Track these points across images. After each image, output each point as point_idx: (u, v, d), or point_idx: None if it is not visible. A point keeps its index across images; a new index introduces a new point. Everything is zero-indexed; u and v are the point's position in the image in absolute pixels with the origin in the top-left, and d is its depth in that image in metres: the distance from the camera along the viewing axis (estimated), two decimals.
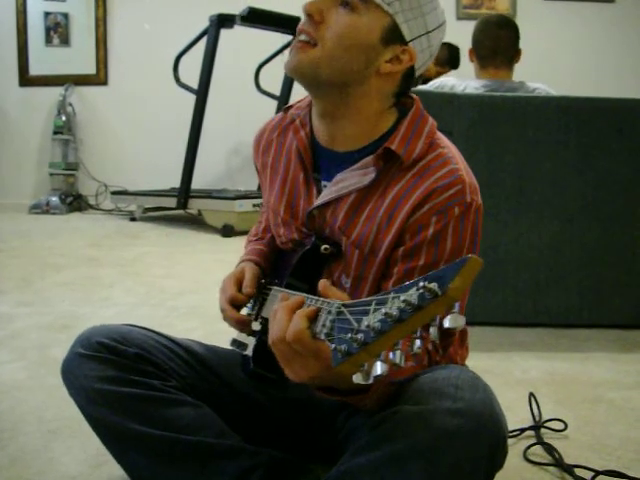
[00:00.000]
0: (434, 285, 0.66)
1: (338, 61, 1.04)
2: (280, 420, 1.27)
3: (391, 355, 0.70)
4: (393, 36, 1.04)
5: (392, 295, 0.71)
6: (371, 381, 0.72)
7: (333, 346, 0.75)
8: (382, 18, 1.02)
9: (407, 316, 0.67)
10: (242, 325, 1.19)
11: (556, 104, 2.42)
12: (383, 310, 0.69)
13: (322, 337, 0.80)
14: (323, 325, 0.81)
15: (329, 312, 0.81)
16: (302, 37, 1.05)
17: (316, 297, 0.86)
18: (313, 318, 0.83)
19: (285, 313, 0.86)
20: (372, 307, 0.72)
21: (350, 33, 1.02)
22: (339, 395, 0.94)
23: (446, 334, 0.68)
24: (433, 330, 0.68)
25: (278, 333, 0.85)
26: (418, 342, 0.69)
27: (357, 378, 0.74)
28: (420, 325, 0.69)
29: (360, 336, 0.71)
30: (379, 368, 0.71)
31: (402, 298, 0.68)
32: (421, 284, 0.67)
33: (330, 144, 1.14)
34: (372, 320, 0.70)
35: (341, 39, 1.03)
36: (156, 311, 2.73)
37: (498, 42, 2.72)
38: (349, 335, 0.73)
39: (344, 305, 0.79)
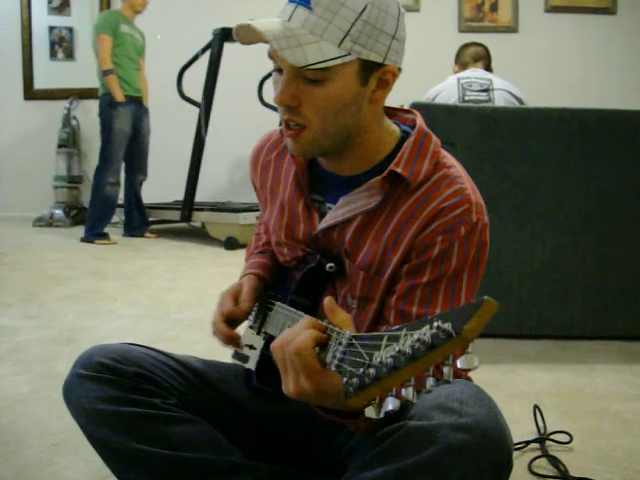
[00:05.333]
0: (448, 325, 0.65)
1: (332, 127, 1.03)
2: (281, 435, 1.27)
3: (403, 391, 0.70)
4: (368, 70, 1.01)
5: (404, 332, 0.70)
6: (382, 416, 0.72)
7: (345, 380, 0.75)
8: (350, 67, 0.99)
9: (420, 355, 0.67)
10: (231, 341, 1.19)
11: (559, 116, 2.42)
12: (396, 347, 0.69)
13: (332, 368, 0.80)
14: (334, 356, 0.80)
15: (340, 343, 0.81)
16: (290, 125, 1.04)
17: (327, 322, 0.87)
18: (321, 344, 0.84)
19: (302, 326, 0.87)
20: (384, 342, 0.72)
21: (331, 103, 1.01)
22: (335, 415, 0.94)
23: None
24: (447, 369, 0.68)
25: (281, 340, 0.87)
26: (431, 380, 0.69)
27: (369, 412, 0.74)
28: (433, 364, 0.68)
29: (372, 371, 0.71)
30: (390, 404, 0.71)
31: (416, 337, 0.67)
32: (435, 324, 0.66)
33: (333, 169, 1.14)
34: (384, 356, 0.70)
35: (325, 112, 1.01)
36: (160, 324, 2.74)
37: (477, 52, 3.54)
38: (361, 370, 0.73)
39: (355, 337, 0.79)
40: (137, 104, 5.11)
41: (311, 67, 0.96)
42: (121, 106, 4.95)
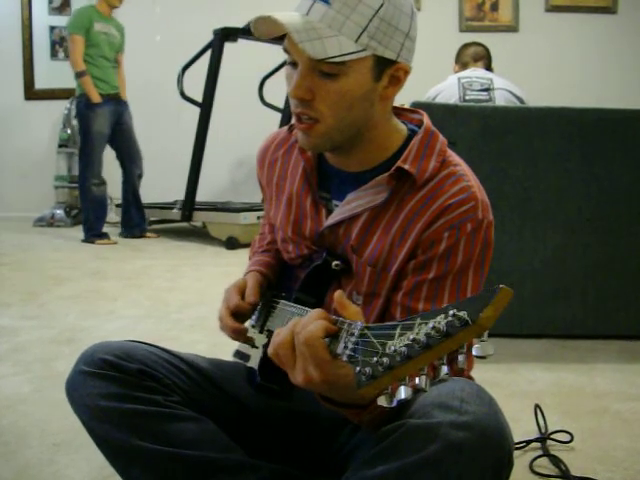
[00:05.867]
0: (464, 313, 0.66)
1: (345, 122, 1.04)
2: (284, 433, 1.27)
3: (417, 380, 0.70)
4: (382, 66, 1.03)
5: (419, 321, 0.71)
6: (394, 405, 0.72)
7: (357, 369, 0.75)
8: (365, 63, 1.00)
9: (435, 343, 0.67)
10: (238, 335, 1.19)
11: (559, 115, 2.42)
12: (410, 336, 0.69)
13: (344, 359, 0.80)
14: (345, 347, 0.80)
15: (351, 334, 0.80)
16: (302, 118, 1.05)
17: (336, 317, 0.87)
18: (331, 335, 0.84)
19: (312, 317, 0.87)
20: (397, 332, 0.72)
21: (344, 98, 1.02)
22: (337, 406, 0.94)
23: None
24: (461, 357, 0.67)
25: (291, 328, 0.87)
26: (445, 368, 0.69)
27: (381, 400, 0.73)
28: (447, 352, 0.68)
29: (385, 360, 0.71)
30: (403, 392, 0.71)
31: (431, 325, 0.67)
32: (451, 312, 0.67)
33: (341, 166, 1.15)
34: (398, 344, 0.70)
35: (339, 106, 1.02)
36: (161, 324, 2.74)
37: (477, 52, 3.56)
38: (374, 359, 0.72)
39: (367, 328, 0.79)
40: (115, 101, 5.03)
41: (329, 60, 0.97)
42: (98, 107, 4.88)
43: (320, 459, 1.25)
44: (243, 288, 1.22)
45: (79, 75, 4.83)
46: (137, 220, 5.31)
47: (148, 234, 5.36)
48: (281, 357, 0.89)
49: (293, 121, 1.10)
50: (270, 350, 0.90)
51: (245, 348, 1.23)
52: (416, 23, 1.05)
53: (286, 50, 1.03)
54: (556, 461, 1.48)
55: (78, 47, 4.80)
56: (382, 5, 0.99)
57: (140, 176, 5.29)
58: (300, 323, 0.87)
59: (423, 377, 0.70)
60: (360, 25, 0.98)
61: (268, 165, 1.27)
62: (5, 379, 2.04)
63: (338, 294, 0.88)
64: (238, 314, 1.20)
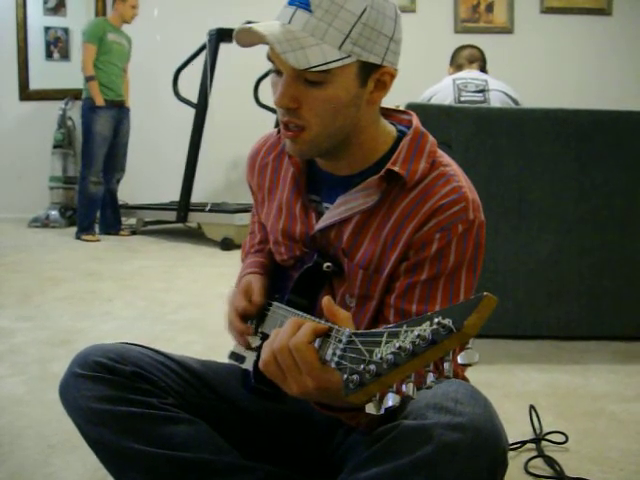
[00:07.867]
0: (448, 321, 0.66)
1: (331, 128, 1.04)
2: (278, 435, 1.27)
3: (404, 387, 0.71)
4: (367, 71, 1.02)
5: (404, 328, 0.71)
6: (382, 412, 0.73)
7: (345, 376, 0.75)
8: (350, 69, 1.00)
9: (421, 351, 0.67)
10: (245, 339, 1.20)
11: (554, 116, 2.43)
12: (397, 344, 0.70)
13: (332, 365, 0.80)
14: (333, 353, 0.81)
15: (339, 340, 0.81)
16: (289, 127, 1.04)
17: (324, 321, 0.87)
18: (321, 336, 0.84)
19: (291, 326, 0.87)
20: (384, 339, 0.73)
21: (330, 105, 1.01)
22: (333, 411, 0.94)
23: None
24: (447, 365, 0.68)
25: (280, 342, 0.87)
26: (431, 375, 0.69)
27: (369, 408, 0.74)
28: (433, 359, 0.69)
29: (372, 367, 0.71)
30: (390, 400, 0.71)
31: (416, 333, 0.68)
32: (436, 320, 0.67)
33: (331, 169, 1.15)
34: (384, 352, 0.71)
35: (325, 113, 1.02)
36: (156, 325, 2.73)
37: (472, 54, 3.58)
38: (362, 366, 0.73)
39: (354, 334, 0.79)
40: (118, 108, 5.30)
41: (313, 69, 0.97)
42: (102, 110, 5.16)
43: (315, 460, 1.25)
44: (249, 291, 1.22)
45: (88, 79, 5.14)
46: (112, 221, 5.54)
47: (122, 232, 5.55)
48: (271, 374, 0.90)
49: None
50: (260, 367, 0.91)
51: (240, 349, 1.23)
52: (400, 26, 1.05)
53: (269, 59, 1.02)
54: (551, 462, 1.48)
55: (89, 54, 5.15)
56: (364, 10, 0.98)
57: (119, 180, 5.55)
58: (279, 336, 0.88)
59: (410, 384, 0.71)
60: (343, 32, 0.97)
61: (258, 170, 1.27)
62: (1, 380, 2.03)
63: (326, 301, 0.89)
64: (245, 317, 1.20)
